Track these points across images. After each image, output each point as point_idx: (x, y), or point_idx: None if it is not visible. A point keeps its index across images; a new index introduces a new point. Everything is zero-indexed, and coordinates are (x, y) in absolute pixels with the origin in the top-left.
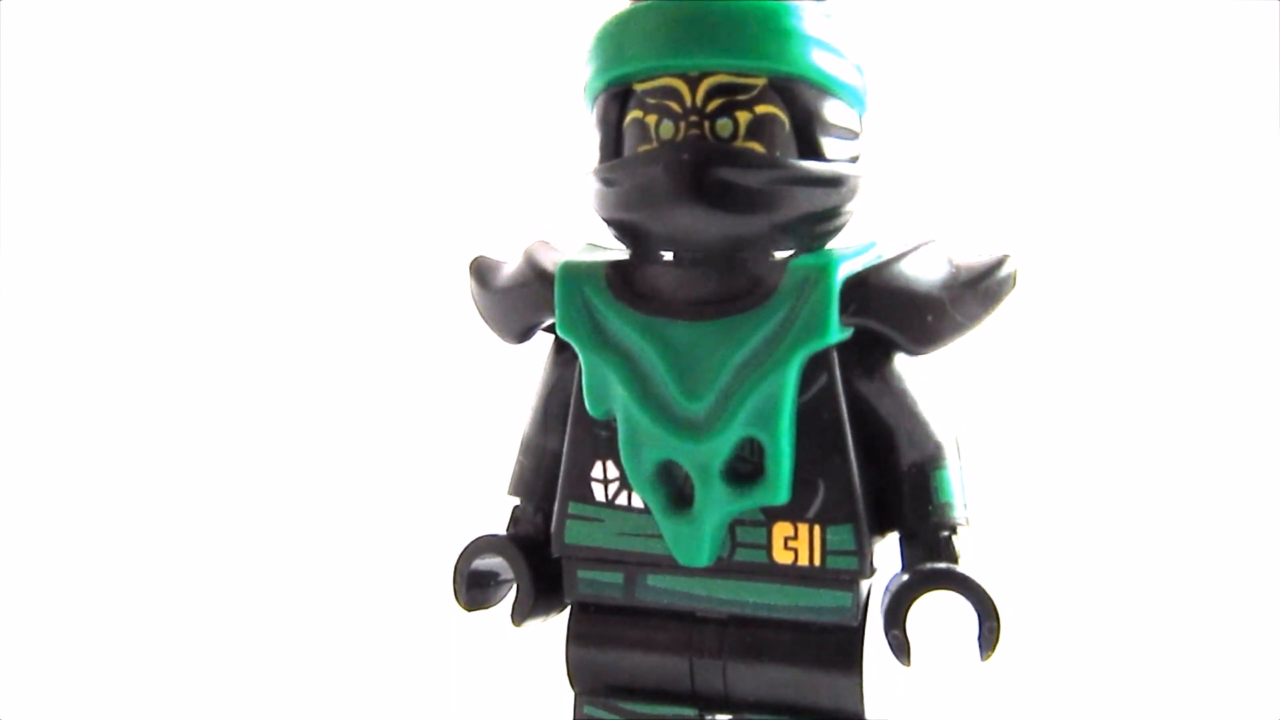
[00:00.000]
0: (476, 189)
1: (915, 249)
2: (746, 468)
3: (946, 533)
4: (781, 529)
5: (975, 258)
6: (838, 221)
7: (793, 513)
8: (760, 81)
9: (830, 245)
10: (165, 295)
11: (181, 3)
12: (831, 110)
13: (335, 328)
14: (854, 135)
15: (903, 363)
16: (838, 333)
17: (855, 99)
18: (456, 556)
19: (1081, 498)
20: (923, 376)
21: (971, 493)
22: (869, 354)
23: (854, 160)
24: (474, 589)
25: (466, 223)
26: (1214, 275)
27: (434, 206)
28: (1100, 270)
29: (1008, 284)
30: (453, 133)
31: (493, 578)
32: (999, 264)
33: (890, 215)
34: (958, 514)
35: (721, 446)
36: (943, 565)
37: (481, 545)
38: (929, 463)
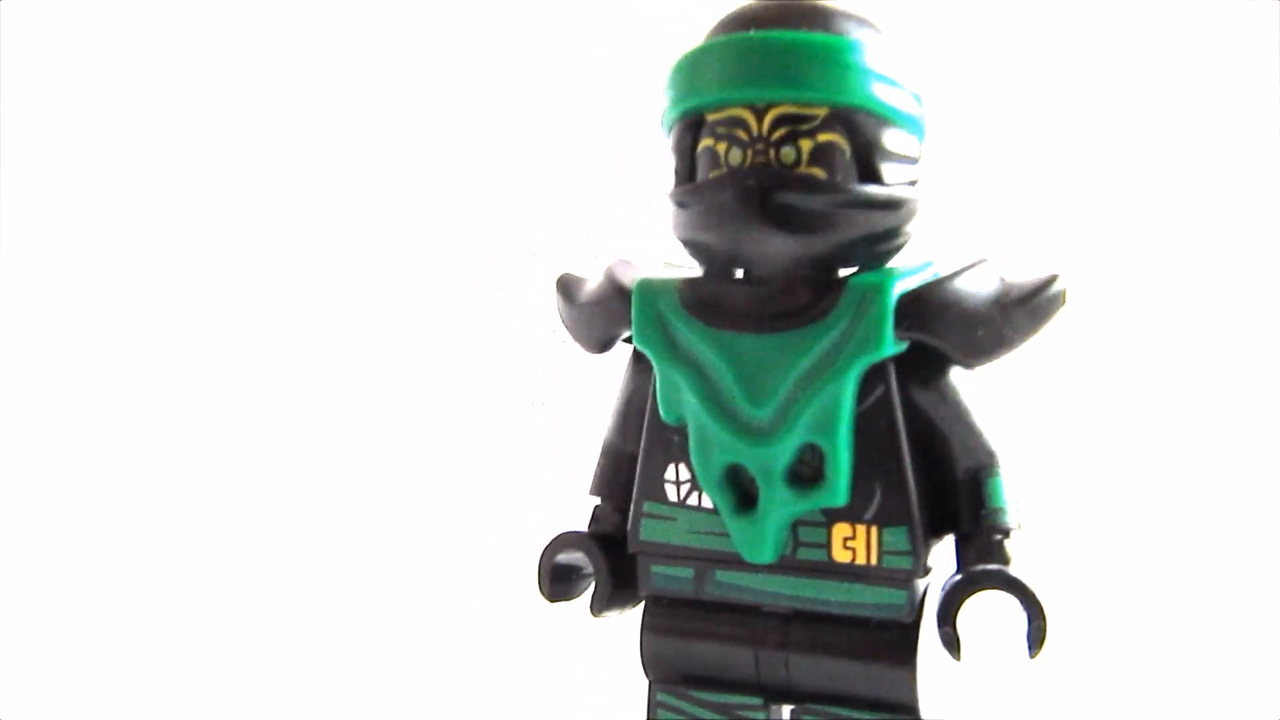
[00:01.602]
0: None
1: (969, 268)
2: (808, 471)
3: (999, 536)
4: (840, 529)
5: (1026, 276)
6: (897, 241)
7: (851, 514)
8: (822, 111)
9: (891, 264)
10: (177, 296)
11: (188, 3)
12: (890, 138)
13: (346, 332)
14: (913, 160)
15: (957, 375)
16: (892, 346)
17: (914, 127)
18: (540, 552)
19: (1118, 506)
20: (976, 388)
21: (1024, 498)
22: (924, 367)
23: (912, 184)
24: (557, 582)
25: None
26: (1221, 281)
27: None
28: (1117, 280)
29: (1057, 301)
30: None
31: (575, 572)
32: (1049, 283)
33: (947, 234)
34: (1010, 519)
35: (784, 451)
36: (994, 567)
37: (564, 541)
38: (982, 470)
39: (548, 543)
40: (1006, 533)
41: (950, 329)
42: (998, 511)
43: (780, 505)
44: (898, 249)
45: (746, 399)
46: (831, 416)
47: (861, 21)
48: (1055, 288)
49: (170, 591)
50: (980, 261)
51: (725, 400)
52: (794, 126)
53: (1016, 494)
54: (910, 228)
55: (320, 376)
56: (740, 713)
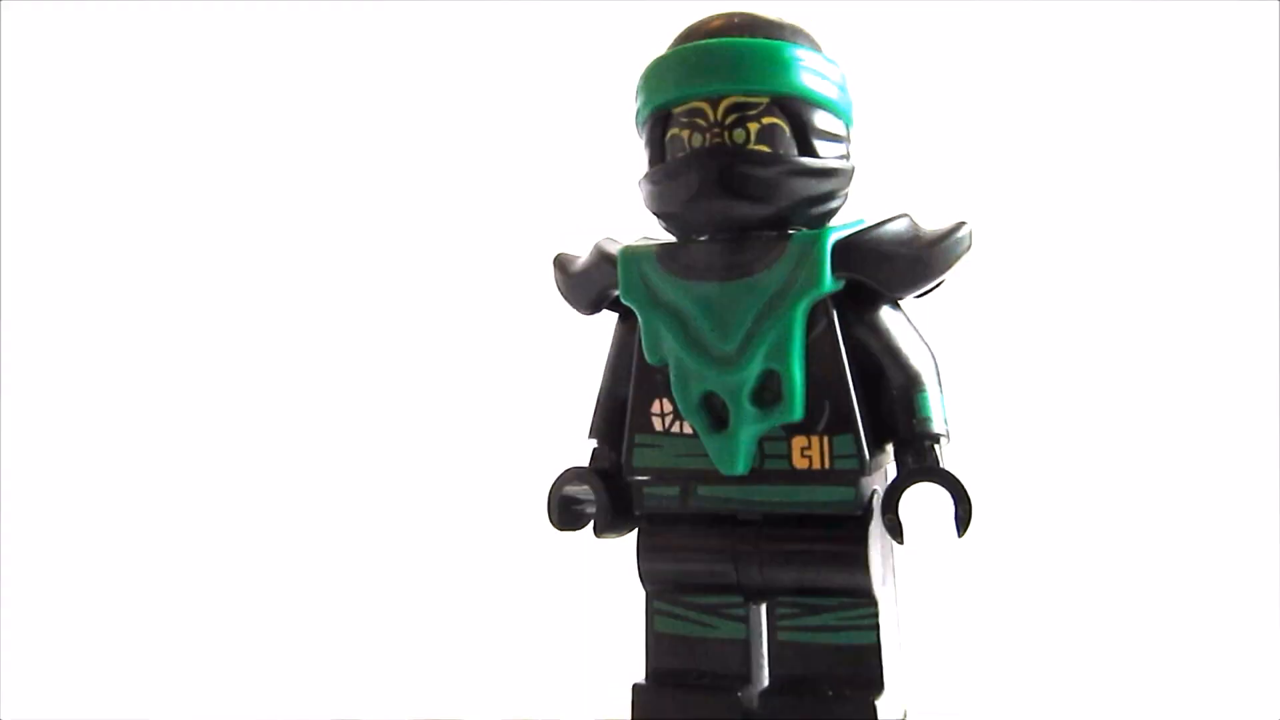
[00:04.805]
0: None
1: (890, 220)
2: (769, 395)
3: (929, 441)
4: (798, 441)
5: (938, 225)
6: (833, 204)
7: (806, 428)
8: (764, 100)
9: (829, 224)
10: (179, 303)
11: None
12: (821, 120)
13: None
14: (841, 139)
15: (889, 311)
16: (830, 284)
17: (840, 111)
18: (549, 486)
19: (1085, 492)
20: (905, 322)
21: (950, 412)
22: (859, 303)
23: (842, 157)
24: (564, 513)
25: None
26: (1209, 273)
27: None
28: (1100, 267)
29: (963, 243)
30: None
31: (580, 504)
32: (955, 228)
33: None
34: (937, 426)
35: (748, 377)
36: (926, 466)
37: (569, 475)
38: (912, 386)
39: (555, 478)
40: (936, 438)
41: (873, 266)
42: (926, 420)
43: (748, 423)
44: (834, 210)
45: (715, 335)
46: (785, 345)
47: (795, 30)
48: (961, 233)
49: (174, 594)
50: (900, 215)
51: (698, 338)
52: (742, 112)
53: (944, 407)
54: (845, 192)
55: (320, 376)
56: (725, 610)
